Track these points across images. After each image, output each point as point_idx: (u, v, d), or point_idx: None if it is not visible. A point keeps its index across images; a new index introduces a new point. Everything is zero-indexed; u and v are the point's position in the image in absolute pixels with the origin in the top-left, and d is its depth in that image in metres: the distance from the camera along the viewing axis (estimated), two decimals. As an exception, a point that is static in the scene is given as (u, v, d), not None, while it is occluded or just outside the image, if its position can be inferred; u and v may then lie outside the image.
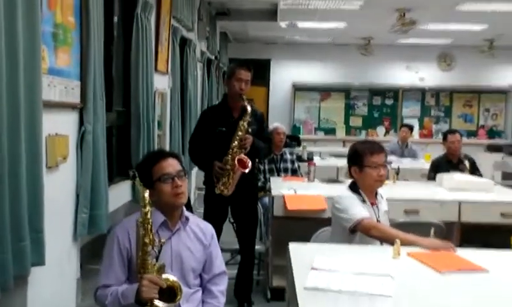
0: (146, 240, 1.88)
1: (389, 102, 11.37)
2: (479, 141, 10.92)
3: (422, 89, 11.26)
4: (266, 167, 5.12)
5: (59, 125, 2.44)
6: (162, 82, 4.70)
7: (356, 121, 11.41)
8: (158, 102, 4.51)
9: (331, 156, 7.17)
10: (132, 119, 3.77)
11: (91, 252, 3.22)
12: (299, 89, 11.34)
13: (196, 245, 2.19)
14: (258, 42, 11.02)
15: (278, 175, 5.06)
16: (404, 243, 2.36)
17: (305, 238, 2.72)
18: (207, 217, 3.35)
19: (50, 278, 2.41)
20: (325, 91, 11.38)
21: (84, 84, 2.64)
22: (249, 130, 3.38)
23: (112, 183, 3.41)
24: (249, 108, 3.35)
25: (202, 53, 7.24)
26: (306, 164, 5.08)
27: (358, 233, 2.59)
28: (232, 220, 3.73)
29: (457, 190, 4.02)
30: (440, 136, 6.20)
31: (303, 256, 2.22)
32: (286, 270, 2.37)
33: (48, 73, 2.29)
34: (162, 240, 1.95)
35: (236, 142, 3.32)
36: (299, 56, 11.08)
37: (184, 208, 2.20)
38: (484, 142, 10.88)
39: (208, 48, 7.91)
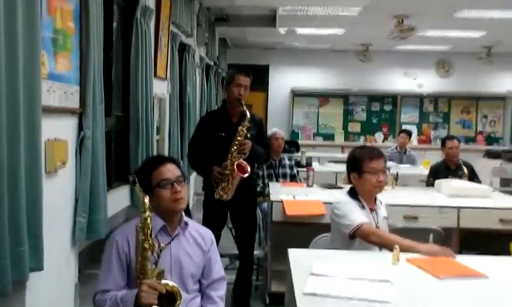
0: (146, 246, 1.87)
1: (387, 108, 11.39)
2: (477, 147, 10.93)
3: (421, 95, 11.29)
4: (265, 172, 5.12)
5: (58, 130, 2.43)
6: (161, 88, 4.71)
7: (354, 127, 11.42)
8: (157, 107, 4.51)
9: (329, 161, 7.18)
10: (131, 124, 3.77)
11: (90, 257, 3.21)
12: (297, 95, 11.36)
13: (196, 250, 2.18)
14: (257, 48, 11.05)
15: (277, 180, 5.06)
16: (403, 249, 2.36)
17: (304, 243, 2.72)
18: (206, 223, 3.34)
19: (49, 283, 2.40)
20: (324, 97, 11.40)
21: (83, 89, 2.64)
22: (248, 135, 3.39)
23: (111, 188, 3.40)
24: (248, 113, 3.36)
25: (201, 59, 7.25)
26: (304, 169, 5.10)
27: (357, 238, 2.59)
28: (230, 226, 3.73)
29: (455, 196, 4.02)
30: (439, 142, 6.22)
31: (303, 262, 2.22)
32: (285, 275, 2.38)
33: (48, 79, 2.29)
34: (162, 245, 1.94)
35: (235, 147, 3.33)
36: (297, 62, 11.10)
37: (183, 213, 2.20)
38: (483, 148, 10.88)
39: (207, 53, 7.92)
